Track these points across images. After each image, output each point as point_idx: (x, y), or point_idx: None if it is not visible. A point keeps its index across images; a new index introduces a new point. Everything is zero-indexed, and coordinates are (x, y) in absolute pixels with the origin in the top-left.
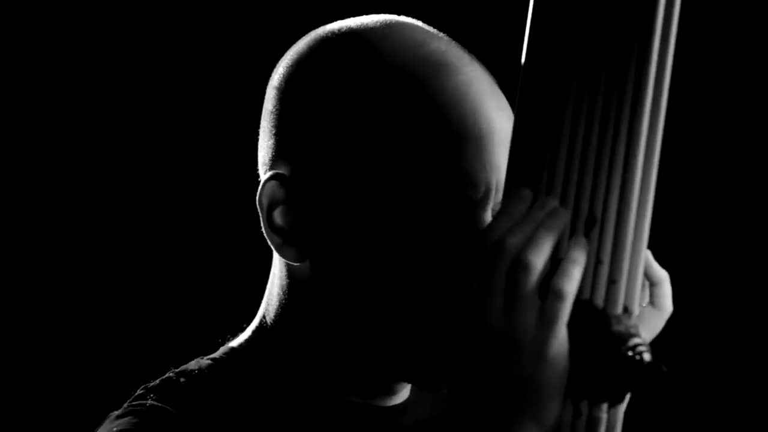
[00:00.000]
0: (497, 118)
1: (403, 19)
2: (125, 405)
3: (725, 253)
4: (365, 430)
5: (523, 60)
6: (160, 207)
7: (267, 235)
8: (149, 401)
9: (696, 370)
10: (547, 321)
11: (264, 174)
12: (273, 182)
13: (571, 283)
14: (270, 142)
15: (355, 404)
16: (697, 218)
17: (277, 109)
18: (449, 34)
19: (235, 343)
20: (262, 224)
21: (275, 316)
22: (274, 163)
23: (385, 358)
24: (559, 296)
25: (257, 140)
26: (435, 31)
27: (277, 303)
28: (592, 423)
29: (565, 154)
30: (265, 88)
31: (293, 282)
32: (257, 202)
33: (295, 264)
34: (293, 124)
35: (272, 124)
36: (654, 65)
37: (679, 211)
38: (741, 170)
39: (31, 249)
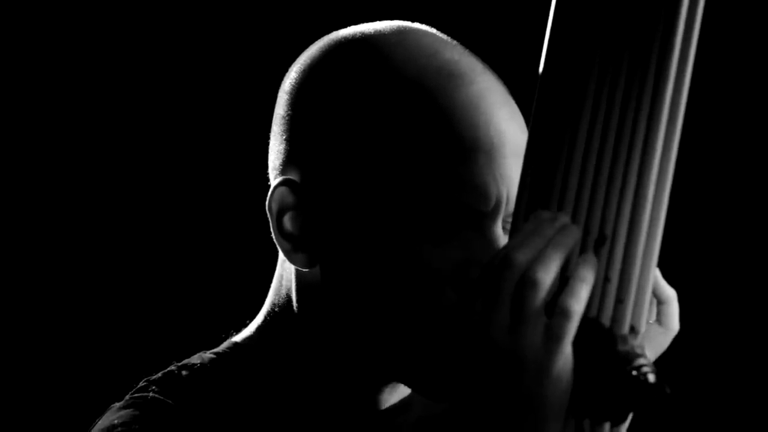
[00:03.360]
0: (509, 130)
1: (416, 26)
2: (127, 397)
3: (734, 270)
4: (366, 429)
5: (539, 73)
6: (168, 206)
7: (276, 241)
8: (150, 393)
9: (700, 387)
10: (553, 339)
11: (274, 179)
12: (283, 188)
13: (579, 302)
14: (281, 147)
15: (356, 403)
16: (706, 236)
17: (288, 114)
18: (462, 42)
19: (238, 338)
20: (271, 230)
21: (282, 316)
22: (284, 168)
23: (389, 365)
24: (565, 315)
25: (268, 144)
26: (448, 39)
27: (285, 304)
28: None
29: (578, 170)
30: (277, 93)
31: (301, 286)
32: (267, 208)
33: (304, 270)
34: (304, 130)
35: (283, 129)
36: (671, 83)
37: (689, 229)
38: (752, 189)
39: (36, 244)
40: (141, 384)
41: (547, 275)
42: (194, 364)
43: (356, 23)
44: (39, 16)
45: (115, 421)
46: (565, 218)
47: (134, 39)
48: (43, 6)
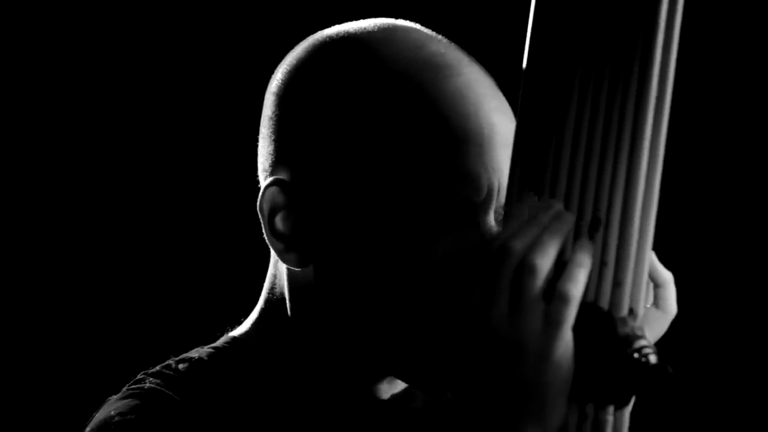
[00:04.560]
0: (498, 120)
1: (401, 22)
2: (124, 389)
3: (730, 253)
4: (365, 419)
5: (524, 61)
6: (163, 207)
7: (269, 241)
8: (148, 384)
9: (700, 371)
10: (553, 324)
11: (264, 180)
12: (273, 188)
13: (577, 286)
14: (270, 148)
15: (355, 397)
16: (701, 219)
17: (276, 115)
18: (448, 36)
19: (236, 332)
20: (263, 230)
21: (277, 314)
22: (274, 169)
23: (388, 362)
24: (564, 300)
25: (257, 146)
26: (433, 33)
27: (278, 303)
28: (598, 425)
29: (569, 155)
30: (264, 94)
31: (295, 285)
32: (258, 209)
33: (297, 269)
34: (293, 130)
35: (271, 130)
36: (657, 66)
37: (684, 211)
38: (745, 170)
39: (35, 243)
40: (138, 377)
41: (545, 261)
42: (192, 358)
43: (342, 22)
44: (39, 16)
45: (112, 412)
46: (558, 205)
47: (126, 41)
48: (43, 6)
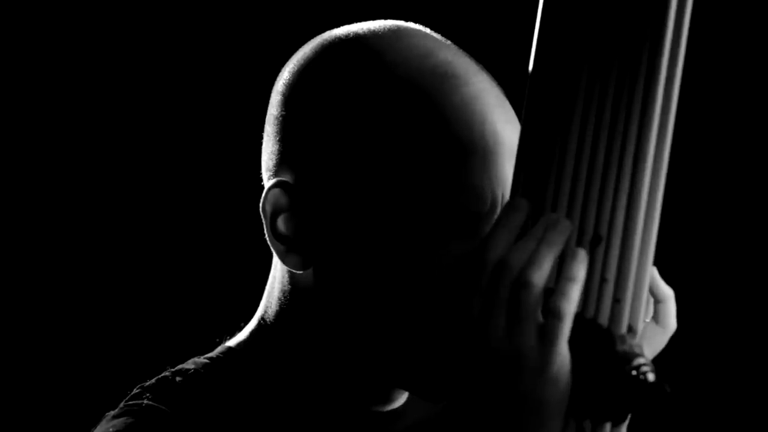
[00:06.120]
0: (504, 131)
1: (410, 25)
2: (121, 405)
3: (732, 267)
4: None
5: (529, 74)
6: (160, 209)
7: (270, 243)
8: (145, 401)
9: (698, 386)
10: (548, 340)
11: (267, 180)
12: (277, 189)
13: (569, 302)
14: (274, 148)
15: (352, 408)
16: (703, 235)
17: (281, 115)
18: (456, 41)
19: (232, 342)
20: (265, 231)
21: (275, 320)
22: (278, 169)
23: (386, 367)
24: (557, 316)
25: (261, 145)
26: (442, 38)
27: (278, 307)
28: None
29: (571, 171)
30: (270, 93)
31: (295, 288)
32: (260, 209)
33: (298, 272)
34: (297, 132)
35: (276, 129)
36: (662, 81)
37: (687, 227)
38: (749, 184)
39: (27, 250)
40: (135, 391)
41: (539, 276)
42: (188, 370)
43: (350, 23)
44: (39, 16)
45: (111, 430)
46: (556, 215)
47: (131, 41)
48: (43, 6)
